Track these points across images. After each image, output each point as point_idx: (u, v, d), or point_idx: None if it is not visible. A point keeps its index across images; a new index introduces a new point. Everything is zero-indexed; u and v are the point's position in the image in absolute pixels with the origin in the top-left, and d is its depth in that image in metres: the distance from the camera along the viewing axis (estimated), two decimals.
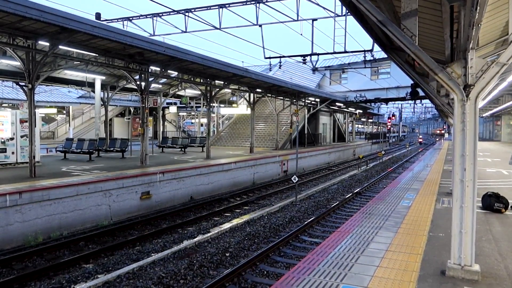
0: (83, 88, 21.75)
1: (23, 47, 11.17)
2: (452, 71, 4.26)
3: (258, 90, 23.03)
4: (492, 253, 5.45)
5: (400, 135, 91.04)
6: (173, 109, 33.47)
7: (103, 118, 22.12)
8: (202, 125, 40.16)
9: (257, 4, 15.94)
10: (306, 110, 29.71)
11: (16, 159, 13.82)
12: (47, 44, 11.19)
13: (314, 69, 21.68)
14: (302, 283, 4.44)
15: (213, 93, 19.80)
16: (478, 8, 3.66)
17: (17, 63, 13.14)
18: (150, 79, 15.31)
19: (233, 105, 33.50)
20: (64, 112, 38.69)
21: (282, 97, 26.41)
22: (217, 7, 16.82)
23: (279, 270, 7.27)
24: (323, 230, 10.15)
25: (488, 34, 6.76)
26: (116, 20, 19.47)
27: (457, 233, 4.42)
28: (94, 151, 17.05)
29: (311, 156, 25.65)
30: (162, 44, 12.68)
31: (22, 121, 13.86)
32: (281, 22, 16.46)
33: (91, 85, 20.54)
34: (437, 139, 74.06)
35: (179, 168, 13.91)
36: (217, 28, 16.29)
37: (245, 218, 11.00)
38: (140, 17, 19.24)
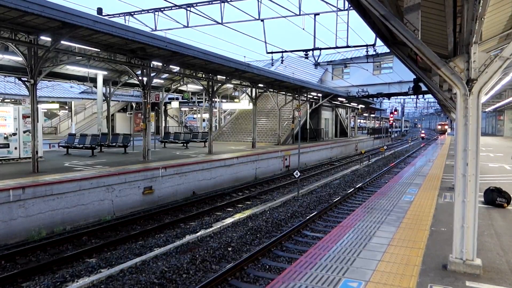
0: (85, 83, 21.79)
1: (25, 42, 11.17)
2: (455, 65, 4.24)
3: (260, 85, 22.98)
4: (494, 247, 5.46)
5: (402, 130, 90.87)
6: (175, 104, 33.50)
7: (105, 113, 22.16)
8: (204, 120, 40.15)
9: None
10: (308, 105, 29.63)
11: (19, 154, 13.89)
12: (49, 39, 11.18)
13: (316, 64, 21.61)
14: (304, 277, 4.46)
15: (215, 88, 19.78)
16: (482, 1, 3.64)
17: (19, 59, 13.16)
18: (152, 74, 15.30)
19: (235, 100, 33.48)
20: (66, 107, 38.73)
21: (284, 92, 26.34)
22: (219, 1, 16.74)
23: (281, 265, 7.30)
24: (325, 225, 10.17)
25: (491, 28, 6.72)
26: (118, 15, 19.41)
27: (459, 227, 4.42)
28: (96, 146, 17.10)
29: (313, 151, 25.65)
30: (164, 39, 12.64)
31: (24, 117, 13.90)
32: (283, 16, 16.40)
33: (93, 80, 20.57)
34: (436, 136, 73.21)
35: (181, 163, 13.94)
36: (219, 23, 16.23)
37: (247, 213, 11.03)
38: (142, 12, 19.15)
